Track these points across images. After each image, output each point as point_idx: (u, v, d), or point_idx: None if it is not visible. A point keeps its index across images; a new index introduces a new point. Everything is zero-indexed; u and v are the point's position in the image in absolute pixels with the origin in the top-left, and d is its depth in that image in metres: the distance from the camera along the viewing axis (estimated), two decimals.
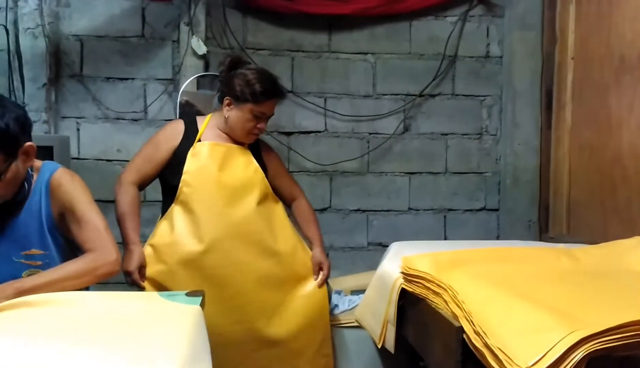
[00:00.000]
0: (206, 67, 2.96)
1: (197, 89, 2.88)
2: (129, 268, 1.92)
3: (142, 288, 1.93)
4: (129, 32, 3.00)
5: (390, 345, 1.82)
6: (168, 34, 3.01)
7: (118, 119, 3.01)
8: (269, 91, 2.02)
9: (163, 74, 3.03)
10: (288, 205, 2.25)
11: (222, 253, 1.95)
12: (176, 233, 1.96)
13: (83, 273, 1.50)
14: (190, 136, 2.05)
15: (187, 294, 1.49)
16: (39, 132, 2.80)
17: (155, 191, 3.04)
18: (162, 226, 2.01)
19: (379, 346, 1.89)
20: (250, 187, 2.03)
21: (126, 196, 2.02)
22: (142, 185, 2.09)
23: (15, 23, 2.80)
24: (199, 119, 2.13)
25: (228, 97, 2.04)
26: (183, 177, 1.98)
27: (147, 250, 1.99)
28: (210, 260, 1.94)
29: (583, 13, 2.71)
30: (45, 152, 2.28)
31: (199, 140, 2.04)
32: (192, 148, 2.02)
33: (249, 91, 2.00)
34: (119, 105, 3.00)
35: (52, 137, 2.73)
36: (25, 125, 1.49)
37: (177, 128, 2.07)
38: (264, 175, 2.09)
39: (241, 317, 1.97)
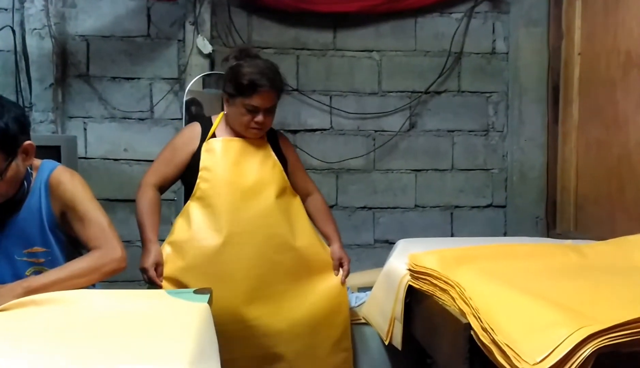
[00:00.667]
0: (212, 66, 2.96)
1: (203, 87, 2.89)
2: (145, 265, 1.94)
3: (158, 286, 1.94)
4: (134, 31, 3.01)
5: (398, 342, 1.82)
6: (173, 33, 3.02)
7: (125, 118, 3.03)
8: (254, 83, 1.94)
9: (169, 73, 3.04)
10: (302, 200, 2.19)
11: (241, 247, 1.94)
12: (194, 229, 1.97)
13: (90, 271, 1.51)
14: (206, 136, 2.05)
15: (195, 291, 1.50)
16: (46, 132, 2.82)
17: None
18: (179, 223, 2.02)
19: (386, 343, 1.90)
20: (268, 180, 2.02)
21: (145, 198, 2.05)
22: (162, 187, 2.11)
23: (22, 24, 2.82)
24: (214, 117, 2.12)
25: (224, 93, 2.04)
26: (200, 173, 1.98)
27: (166, 249, 2.00)
28: (229, 253, 1.93)
29: (589, 9, 2.69)
30: (53, 152, 2.29)
31: (213, 137, 2.04)
32: (205, 144, 2.02)
33: (236, 84, 1.97)
34: (125, 105, 3.01)
35: (59, 137, 2.75)
36: (24, 124, 1.51)
37: (195, 131, 2.07)
38: (282, 168, 2.07)
39: (259, 310, 1.96)
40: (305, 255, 2.04)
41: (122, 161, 3.04)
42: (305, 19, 3.06)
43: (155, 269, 1.94)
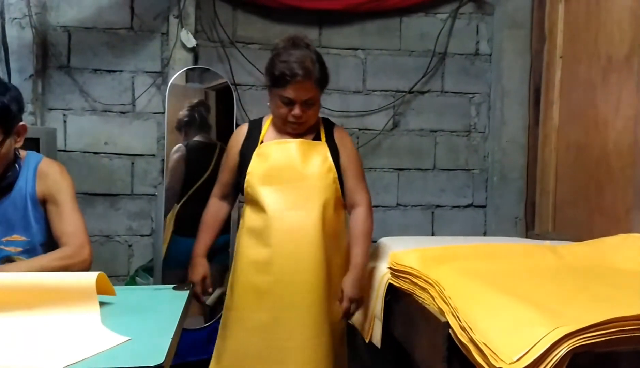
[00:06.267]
0: (195, 60, 2.94)
1: (186, 82, 2.86)
2: (193, 280, 1.95)
3: (202, 302, 2.03)
4: (117, 23, 2.97)
5: (377, 340, 1.83)
6: (157, 26, 2.99)
7: (106, 111, 2.99)
8: (286, 73, 1.81)
9: (152, 66, 3.01)
10: (347, 210, 2.01)
11: (286, 258, 1.85)
12: (245, 240, 1.93)
13: (58, 268, 1.52)
14: (253, 136, 1.98)
15: (174, 288, 1.56)
16: (25, 123, 2.77)
17: (142, 184, 3.04)
18: (240, 226, 2.00)
19: (367, 341, 1.90)
20: (318, 188, 1.89)
21: (206, 211, 2.06)
22: (227, 194, 2.06)
23: (2, 13, 2.76)
24: (265, 118, 2.03)
25: (266, 85, 1.95)
26: (247, 177, 1.91)
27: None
28: (276, 265, 1.86)
29: (572, 13, 2.73)
30: (32, 144, 2.26)
31: (262, 142, 1.95)
32: (257, 148, 1.93)
33: (270, 75, 1.87)
34: (106, 98, 2.98)
35: (39, 128, 2.70)
36: (21, 106, 1.58)
37: (241, 131, 2.02)
38: (336, 176, 1.93)
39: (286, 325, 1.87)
40: (336, 281, 1.90)
41: (102, 155, 3.00)
42: (290, 15, 3.05)
43: (203, 282, 1.97)
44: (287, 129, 1.92)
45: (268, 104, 1.95)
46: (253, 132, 1.99)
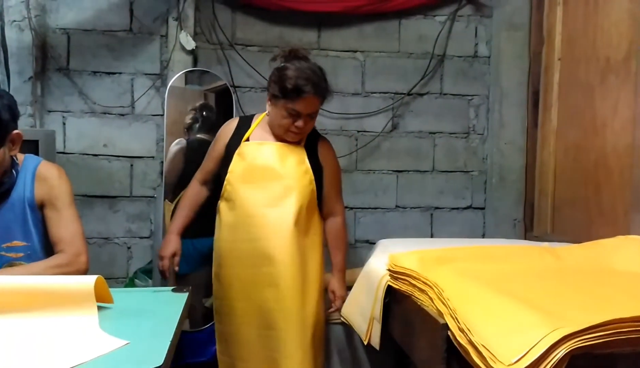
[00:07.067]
0: (194, 63, 2.94)
1: (185, 84, 2.87)
2: (162, 254, 2.09)
3: (166, 277, 2.11)
4: (116, 26, 2.98)
5: (376, 342, 1.82)
6: (156, 28, 2.99)
7: (105, 113, 2.99)
8: (299, 89, 1.91)
9: (151, 68, 3.01)
10: (323, 217, 2.17)
11: (262, 252, 1.98)
12: (222, 231, 2.06)
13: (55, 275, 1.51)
14: (241, 133, 2.07)
15: (173, 290, 1.54)
16: (24, 125, 2.77)
17: (141, 186, 3.04)
18: (217, 218, 2.10)
19: (365, 343, 1.90)
20: (294, 188, 2.00)
21: (185, 193, 2.21)
22: (206, 181, 2.19)
23: (1, 15, 2.76)
24: (256, 116, 2.12)
25: (268, 93, 2.02)
26: (227, 176, 2.02)
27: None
28: (255, 257, 2.00)
29: (570, 15, 2.73)
30: (31, 146, 2.26)
31: (247, 140, 2.05)
32: (238, 147, 2.03)
33: (280, 87, 1.94)
34: (105, 100, 2.98)
35: (38, 131, 2.70)
36: (15, 113, 1.54)
37: (230, 125, 2.12)
38: (313, 178, 2.05)
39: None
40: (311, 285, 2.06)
41: (101, 157, 3.00)
42: (289, 17, 3.05)
43: (172, 258, 2.10)
44: (287, 137, 2.02)
45: (267, 112, 2.04)
46: (241, 129, 2.08)
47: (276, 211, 1.97)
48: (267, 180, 1.99)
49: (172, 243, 2.10)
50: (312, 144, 2.09)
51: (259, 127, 2.07)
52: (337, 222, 2.18)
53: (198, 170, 2.18)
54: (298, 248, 1.98)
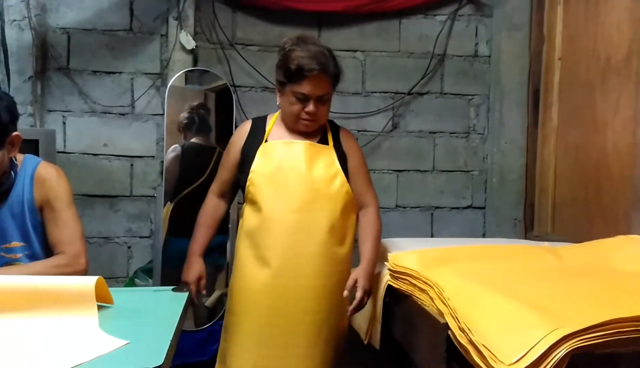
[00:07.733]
0: (195, 62, 2.94)
1: (186, 83, 2.87)
2: (187, 280, 1.90)
3: (195, 304, 1.98)
4: (116, 25, 2.98)
5: (376, 342, 1.83)
6: (156, 28, 2.99)
7: (105, 113, 2.99)
8: (303, 68, 1.76)
9: (151, 68, 3.01)
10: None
11: (285, 262, 1.81)
12: (244, 241, 1.89)
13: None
14: (256, 133, 1.92)
15: (173, 290, 1.54)
16: (24, 125, 2.77)
17: (141, 186, 3.04)
18: (240, 224, 1.94)
19: (365, 342, 1.90)
20: (322, 193, 1.84)
21: (203, 208, 2.00)
22: (224, 192, 2.01)
23: (1, 15, 2.76)
24: (270, 116, 1.98)
25: (276, 83, 1.88)
26: (250, 176, 1.85)
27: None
28: (275, 268, 1.82)
29: (570, 14, 2.73)
30: (31, 146, 2.26)
31: (266, 140, 1.90)
32: (261, 146, 1.88)
33: (285, 70, 1.80)
34: (106, 99, 2.98)
35: (38, 130, 2.70)
36: (14, 115, 1.52)
37: (244, 128, 1.96)
38: (345, 180, 1.88)
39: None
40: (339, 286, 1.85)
41: (101, 156, 3.00)
42: (290, 17, 3.05)
43: (198, 282, 1.92)
44: (299, 126, 1.87)
45: (278, 103, 1.91)
46: (256, 130, 1.94)
47: (302, 216, 1.81)
48: (293, 183, 1.83)
49: (196, 266, 1.92)
50: (336, 139, 1.94)
51: (275, 126, 1.93)
52: (370, 214, 1.94)
53: (213, 182, 2.01)
54: (327, 258, 1.84)
